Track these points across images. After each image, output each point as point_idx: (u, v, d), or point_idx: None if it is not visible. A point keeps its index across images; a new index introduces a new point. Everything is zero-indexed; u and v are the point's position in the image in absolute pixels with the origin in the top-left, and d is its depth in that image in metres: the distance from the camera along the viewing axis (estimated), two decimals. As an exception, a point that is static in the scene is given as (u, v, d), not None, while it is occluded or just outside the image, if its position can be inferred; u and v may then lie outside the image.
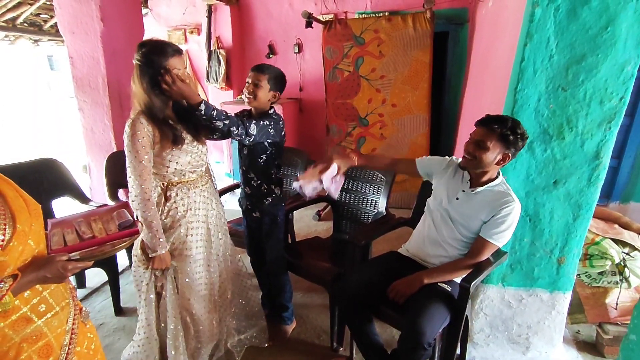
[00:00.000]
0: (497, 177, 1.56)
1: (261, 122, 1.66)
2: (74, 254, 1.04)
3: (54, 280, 0.94)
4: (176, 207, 1.56)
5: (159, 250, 1.48)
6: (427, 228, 1.72)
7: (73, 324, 1.03)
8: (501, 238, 1.51)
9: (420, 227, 1.79)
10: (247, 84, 1.74)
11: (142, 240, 1.51)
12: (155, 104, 1.43)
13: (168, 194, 1.55)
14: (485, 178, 1.55)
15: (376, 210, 2.17)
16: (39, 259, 0.93)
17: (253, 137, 1.63)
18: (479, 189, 1.55)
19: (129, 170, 1.44)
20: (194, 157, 1.57)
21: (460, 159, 1.60)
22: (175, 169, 1.52)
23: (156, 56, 1.41)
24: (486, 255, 1.54)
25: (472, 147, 1.49)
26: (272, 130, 1.71)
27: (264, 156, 1.77)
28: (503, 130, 1.42)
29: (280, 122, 1.77)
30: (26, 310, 0.92)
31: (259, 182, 1.82)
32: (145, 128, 1.41)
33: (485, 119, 1.48)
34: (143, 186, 1.43)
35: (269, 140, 1.74)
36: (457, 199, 1.60)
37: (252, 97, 1.72)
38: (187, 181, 1.59)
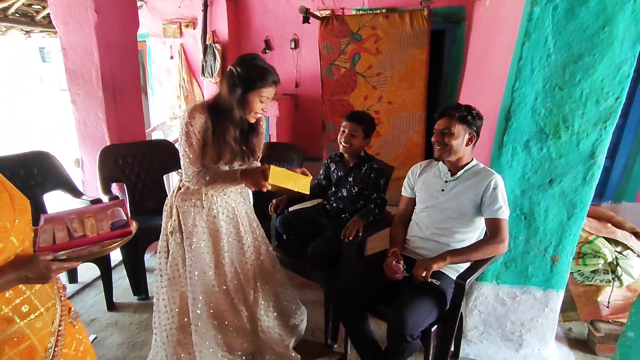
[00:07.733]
0: (471, 160, 1.68)
1: None
2: (60, 253, 1.00)
3: (37, 280, 0.89)
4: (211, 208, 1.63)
5: (238, 178, 1.51)
6: (418, 231, 1.75)
7: (59, 325, 0.97)
8: (505, 211, 1.57)
9: (412, 230, 1.80)
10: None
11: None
12: (233, 116, 1.47)
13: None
14: (462, 163, 1.67)
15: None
16: (21, 258, 0.88)
17: None
18: (459, 173, 1.66)
19: (181, 153, 1.50)
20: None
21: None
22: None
23: (254, 77, 1.42)
24: (505, 231, 1.56)
25: (440, 136, 1.63)
26: None
27: None
28: (461, 113, 1.59)
29: None
30: (7, 310, 0.87)
31: None
32: (200, 119, 1.45)
33: (442, 110, 1.66)
34: (192, 166, 1.50)
35: None
36: (443, 190, 1.68)
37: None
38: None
